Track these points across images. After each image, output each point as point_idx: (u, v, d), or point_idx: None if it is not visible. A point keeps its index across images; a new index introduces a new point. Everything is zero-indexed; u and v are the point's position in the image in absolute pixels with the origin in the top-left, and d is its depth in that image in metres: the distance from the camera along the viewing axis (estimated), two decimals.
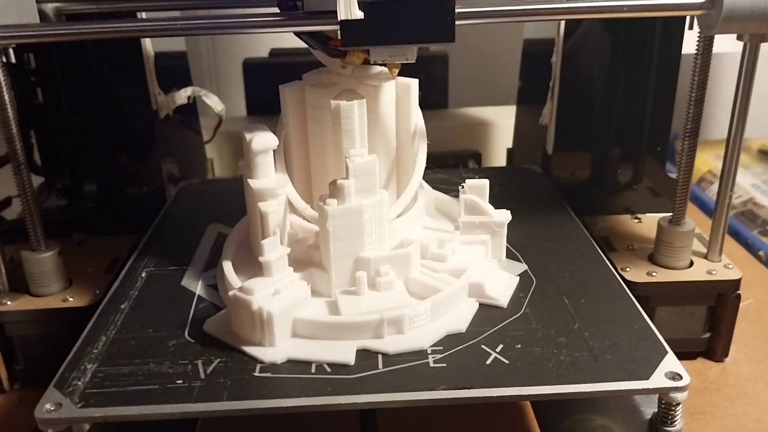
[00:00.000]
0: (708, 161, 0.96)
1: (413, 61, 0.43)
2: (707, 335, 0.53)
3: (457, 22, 0.40)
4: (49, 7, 0.52)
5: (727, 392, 0.50)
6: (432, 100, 0.88)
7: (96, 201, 0.63)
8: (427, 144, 0.49)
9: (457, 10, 0.40)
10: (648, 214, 0.60)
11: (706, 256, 0.52)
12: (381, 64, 0.46)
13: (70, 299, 0.50)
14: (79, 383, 0.37)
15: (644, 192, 0.63)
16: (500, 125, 0.84)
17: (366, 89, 0.45)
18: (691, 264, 0.52)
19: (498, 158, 0.84)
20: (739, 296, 0.51)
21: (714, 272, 0.51)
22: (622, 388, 0.36)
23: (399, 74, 0.47)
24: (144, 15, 0.57)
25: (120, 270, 0.52)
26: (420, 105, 0.49)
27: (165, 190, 0.64)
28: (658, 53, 0.59)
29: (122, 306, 0.44)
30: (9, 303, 0.50)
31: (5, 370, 0.52)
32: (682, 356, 0.52)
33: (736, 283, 0.50)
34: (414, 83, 0.47)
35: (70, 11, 0.53)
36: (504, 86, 0.83)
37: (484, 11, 0.42)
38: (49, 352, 0.49)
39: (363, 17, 0.39)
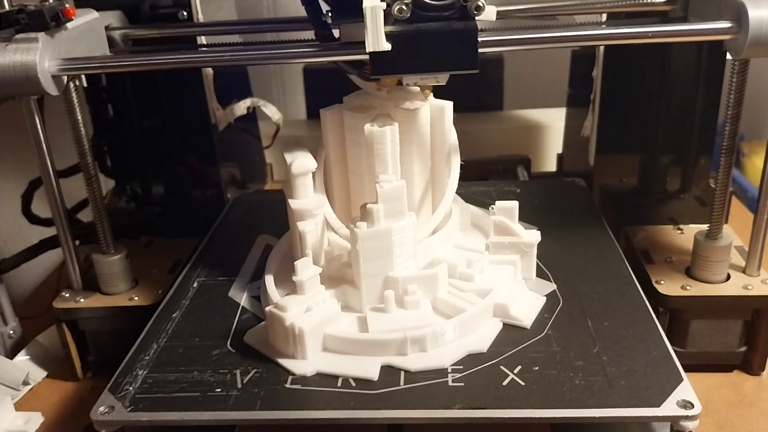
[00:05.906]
0: None
1: (444, 84, 0.45)
2: (743, 349, 0.52)
3: (480, 50, 0.41)
4: (117, 34, 0.56)
5: (761, 407, 0.49)
6: (487, 102, 0.87)
7: (162, 205, 0.67)
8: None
9: (480, 39, 0.40)
10: (691, 225, 0.59)
11: (744, 270, 0.52)
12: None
13: (135, 298, 0.54)
14: (131, 388, 0.41)
15: (691, 201, 0.62)
16: (553, 128, 0.83)
17: (401, 113, 0.47)
18: (728, 278, 0.51)
19: (549, 163, 0.83)
20: None
21: (750, 287, 0.50)
22: (632, 415, 0.37)
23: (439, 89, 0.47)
24: (203, 38, 0.60)
25: (181, 272, 0.56)
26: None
27: (224, 195, 0.67)
28: (707, 57, 0.57)
29: (174, 315, 0.48)
30: (82, 300, 0.54)
31: (79, 360, 0.56)
32: (717, 369, 0.52)
33: None
34: (448, 105, 0.48)
35: (136, 36, 0.57)
36: (557, 88, 0.82)
37: (506, 39, 0.43)
38: (117, 345, 0.53)
39: (390, 48, 0.40)
